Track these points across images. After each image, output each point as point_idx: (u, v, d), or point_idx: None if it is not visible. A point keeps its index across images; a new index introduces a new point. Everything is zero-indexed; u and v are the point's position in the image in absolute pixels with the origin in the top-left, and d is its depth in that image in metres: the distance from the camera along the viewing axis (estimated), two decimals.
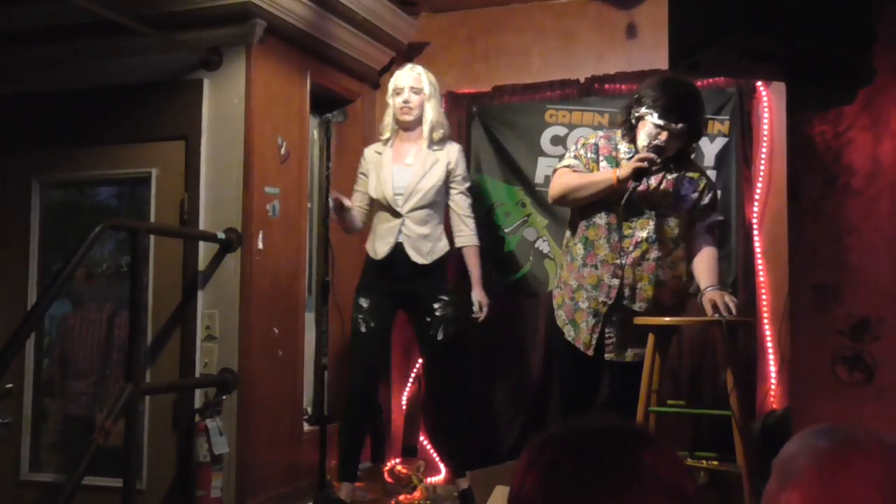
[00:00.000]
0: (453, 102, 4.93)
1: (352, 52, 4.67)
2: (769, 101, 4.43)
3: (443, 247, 4.05)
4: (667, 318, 3.57)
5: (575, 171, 3.58)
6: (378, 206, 4.08)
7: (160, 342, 4.01)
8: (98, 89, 4.21)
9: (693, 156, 3.73)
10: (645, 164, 3.39)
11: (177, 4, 3.96)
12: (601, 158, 3.59)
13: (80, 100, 4.24)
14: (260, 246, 4.01)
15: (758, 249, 4.38)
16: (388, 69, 4.99)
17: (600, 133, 3.74)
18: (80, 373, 4.30)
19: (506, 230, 4.81)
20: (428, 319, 4.02)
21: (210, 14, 3.95)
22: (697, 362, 4.41)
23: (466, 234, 4.14)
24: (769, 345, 4.32)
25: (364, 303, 4.00)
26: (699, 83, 4.39)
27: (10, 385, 3.96)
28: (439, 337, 4.01)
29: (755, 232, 4.39)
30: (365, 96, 4.92)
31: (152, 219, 4.09)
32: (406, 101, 4.02)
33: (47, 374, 4.36)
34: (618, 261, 3.53)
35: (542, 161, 4.73)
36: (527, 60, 4.90)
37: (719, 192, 3.68)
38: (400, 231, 3.97)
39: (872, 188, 2.23)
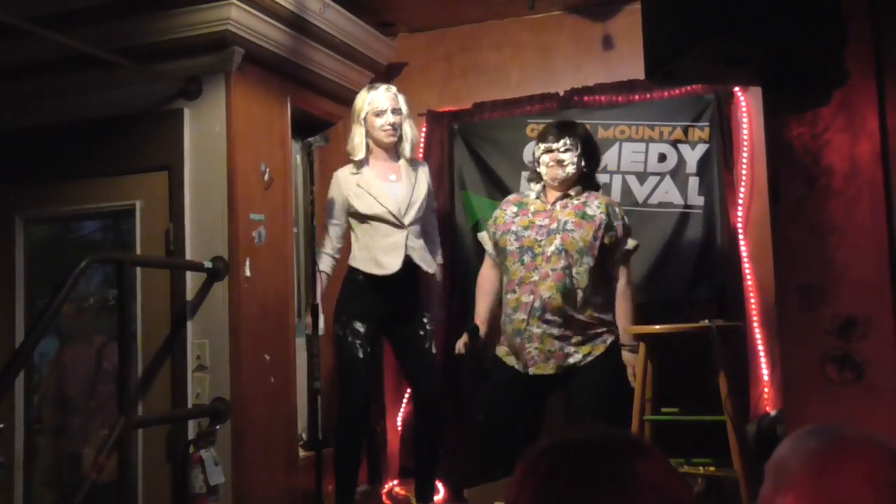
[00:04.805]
0: (434, 121, 4.95)
1: (331, 76, 4.68)
2: (747, 106, 4.46)
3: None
4: (657, 327, 3.58)
5: (491, 261, 3.95)
6: (373, 223, 4.01)
7: (151, 374, 3.98)
8: (79, 123, 4.20)
9: (600, 190, 3.96)
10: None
11: (154, 35, 3.97)
12: (505, 219, 3.84)
13: (62, 134, 4.23)
14: (247, 273, 4.00)
15: (744, 253, 4.40)
16: None
17: (511, 197, 4.05)
18: (72, 409, 4.27)
19: None
20: (421, 333, 4.05)
21: (188, 43, 3.95)
22: (688, 369, 4.41)
23: (439, 253, 4.24)
24: (760, 348, 4.33)
25: (360, 327, 3.94)
26: (677, 91, 4.45)
27: (1, 425, 3.93)
28: (433, 350, 4.08)
29: (740, 236, 4.41)
30: (346, 119, 4.92)
31: (138, 250, 4.07)
32: (392, 124, 4.03)
33: (38, 411, 4.33)
34: (533, 278, 3.66)
35: (525, 175, 4.74)
36: (506, 76, 4.92)
37: (627, 222, 3.85)
38: (406, 244, 3.97)
39: (852, 188, 2.25)
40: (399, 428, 4.87)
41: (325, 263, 4.07)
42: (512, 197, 4.03)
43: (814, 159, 2.30)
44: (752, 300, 4.36)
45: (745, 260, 4.39)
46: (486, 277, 3.99)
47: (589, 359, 3.64)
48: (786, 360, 2.38)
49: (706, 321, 3.49)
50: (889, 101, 2.25)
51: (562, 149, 3.76)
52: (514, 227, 3.81)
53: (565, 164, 3.76)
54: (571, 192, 3.80)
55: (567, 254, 3.66)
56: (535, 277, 3.67)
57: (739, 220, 4.43)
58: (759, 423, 4.05)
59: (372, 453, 4.74)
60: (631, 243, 3.82)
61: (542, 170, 3.82)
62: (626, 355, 3.75)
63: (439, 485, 4.62)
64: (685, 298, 4.39)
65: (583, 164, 3.81)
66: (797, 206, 2.33)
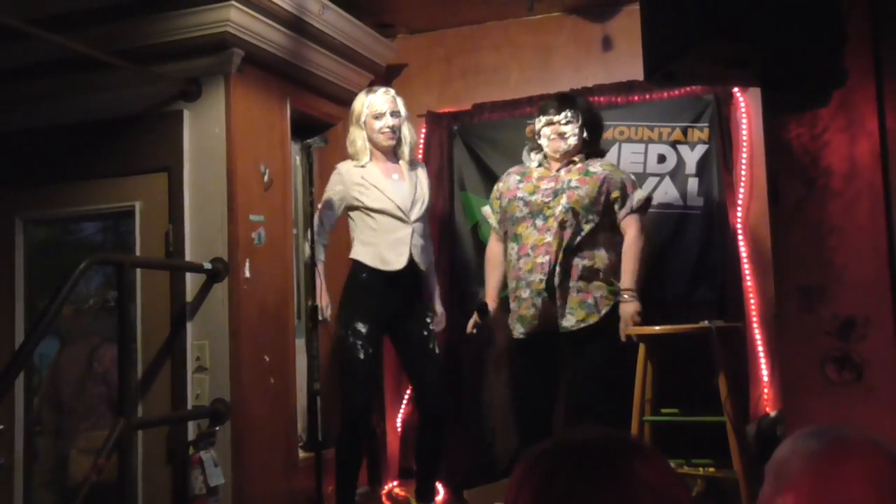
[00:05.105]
0: (433, 122, 4.95)
1: (330, 77, 4.68)
2: (746, 107, 4.46)
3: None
4: (657, 328, 3.58)
5: (496, 235, 4.07)
6: (378, 217, 3.99)
7: (151, 375, 3.98)
8: (79, 124, 4.20)
9: (607, 159, 4.07)
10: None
11: (154, 37, 3.97)
12: (510, 186, 3.96)
13: (61, 135, 4.23)
14: (247, 274, 4.00)
15: (743, 254, 4.40)
16: None
17: (511, 169, 4.10)
18: (72, 410, 4.27)
19: None
20: (425, 333, 4.05)
21: (188, 45, 3.95)
22: (688, 370, 4.41)
23: (431, 253, 4.24)
24: (760, 349, 4.33)
25: (362, 328, 3.90)
26: (676, 92, 4.45)
27: (1, 426, 3.92)
28: (437, 350, 4.07)
29: (740, 237, 4.41)
30: (345, 120, 4.91)
31: (138, 252, 4.07)
32: (391, 127, 4.03)
33: (38, 413, 4.32)
34: (546, 240, 3.72)
35: None
36: (505, 77, 4.93)
37: (635, 182, 3.94)
38: (411, 241, 3.97)
39: (851, 189, 2.25)
40: (399, 429, 4.87)
41: (323, 253, 4.05)
42: (513, 168, 4.10)
43: (813, 160, 2.31)
44: (752, 301, 4.36)
45: (745, 261, 4.39)
46: (494, 251, 4.07)
47: (602, 325, 3.69)
48: (785, 360, 2.38)
49: (706, 322, 3.49)
50: (888, 101, 2.25)
51: (563, 121, 3.82)
52: (519, 194, 3.88)
53: (567, 136, 3.82)
54: (575, 159, 3.87)
55: (574, 211, 3.71)
56: (549, 238, 3.71)
57: (739, 220, 4.42)
58: (759, 424, 4.05)
59: (372, 454, 4.74)
60: (640, 194, 3.85)
61: (544, 142, 3.88)
62: (622, 306, 3.73)
63: (439, 486, 4.62)
64: (685, 299, 4.39)
65: (584, 135, 3.86)
66: (796, 207, 2.33)
